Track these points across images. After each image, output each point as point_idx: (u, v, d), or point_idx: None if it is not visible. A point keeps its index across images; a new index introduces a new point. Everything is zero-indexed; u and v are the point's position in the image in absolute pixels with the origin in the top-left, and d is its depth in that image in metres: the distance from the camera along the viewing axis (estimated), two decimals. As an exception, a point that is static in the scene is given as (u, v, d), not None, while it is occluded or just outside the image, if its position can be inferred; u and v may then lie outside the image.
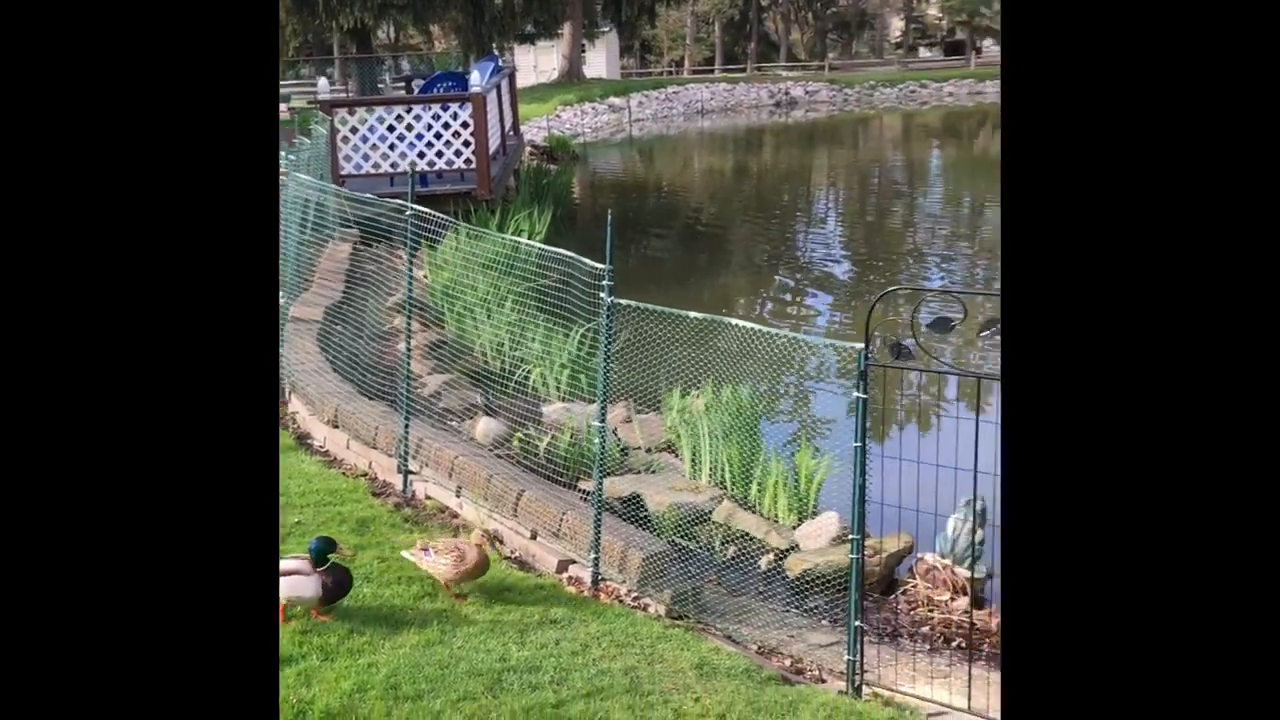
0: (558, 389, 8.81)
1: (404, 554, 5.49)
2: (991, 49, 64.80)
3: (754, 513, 6.93)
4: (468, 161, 14.49)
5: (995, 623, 5.67)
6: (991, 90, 46.73)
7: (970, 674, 4.70)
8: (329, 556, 4.91)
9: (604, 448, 5.67)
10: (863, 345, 4.49)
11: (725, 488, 7.21)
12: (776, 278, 15.65)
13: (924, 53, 68.80)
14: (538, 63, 48.03)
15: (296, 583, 4.79)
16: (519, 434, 7.46)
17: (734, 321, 5.30)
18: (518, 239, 7.07)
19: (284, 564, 4.80)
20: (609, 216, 5.29)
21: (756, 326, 5.33)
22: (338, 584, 4.92)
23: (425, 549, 5.35)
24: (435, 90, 16.61)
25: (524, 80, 37.65)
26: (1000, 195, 2.20)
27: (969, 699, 4.59)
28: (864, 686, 4.76)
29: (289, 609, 4.86)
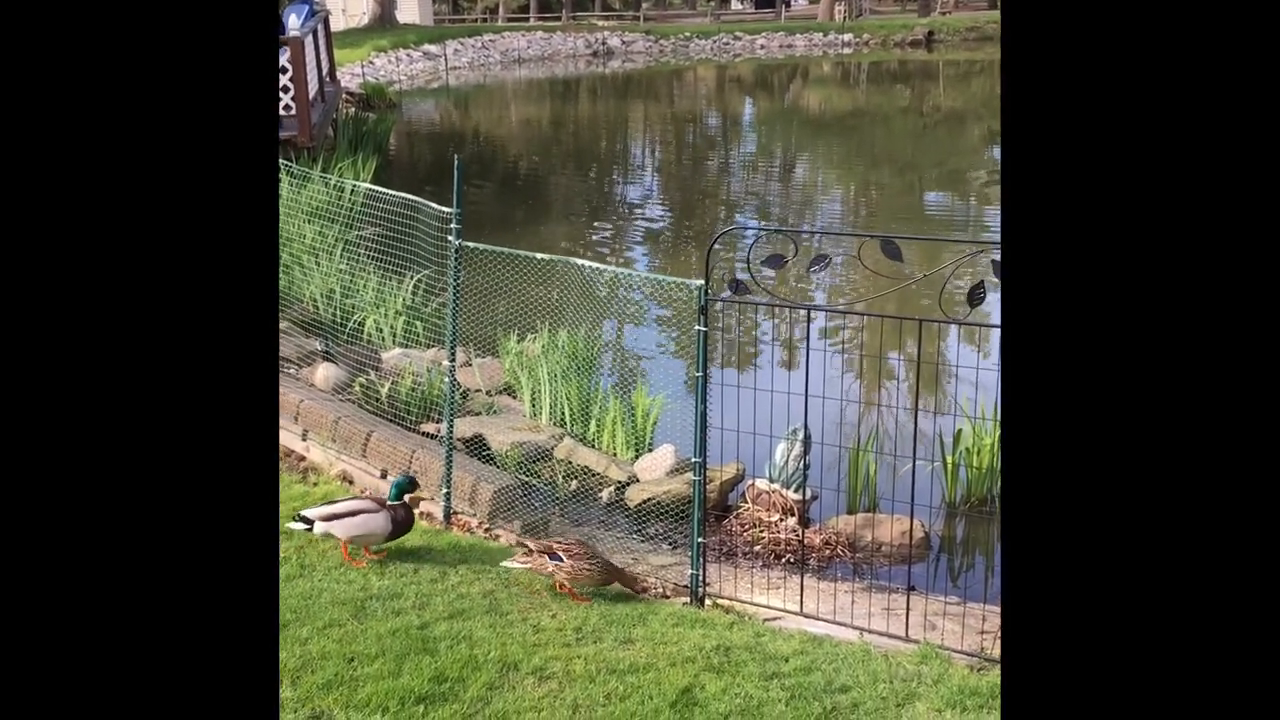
0: (393, 336, 8.89)
1: (510, 564, 5.06)
2: (800, 1, 66.35)
3: (594, 449, 7.23)
4: (286, 108, 14.17)
5: (820, 539, 6.17)
6: (801, 43, 48.02)
7: (802, 584, 5.14)
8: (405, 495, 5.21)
9: (454, 386, 5.85)
10: (703, 281, 4.82)
11: (565, 426, 7.49)
12: (595, 227, 15.92)
13: (736, 4, 69.93)
14: (346, 6, 46.67)
15: (367, 520, 5.05)
16: (360, 380, 7.54)
17: (580, 262, 5.54)
18: (373, 186, 7.11)
19: (351, 504, 5.09)
20: (456, 161, 5.44)
21: (603, 266, 5.59)
22: (406, 519, 5.18)
23: (550, 553, 4.87)
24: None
25: (333, 24, 36.57)
26: (1001, 164, 2.22)
27: (801, 604, 5.03)
28: (706, 598, 5.15)
29: (356, 545, 5.13)
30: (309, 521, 5.13)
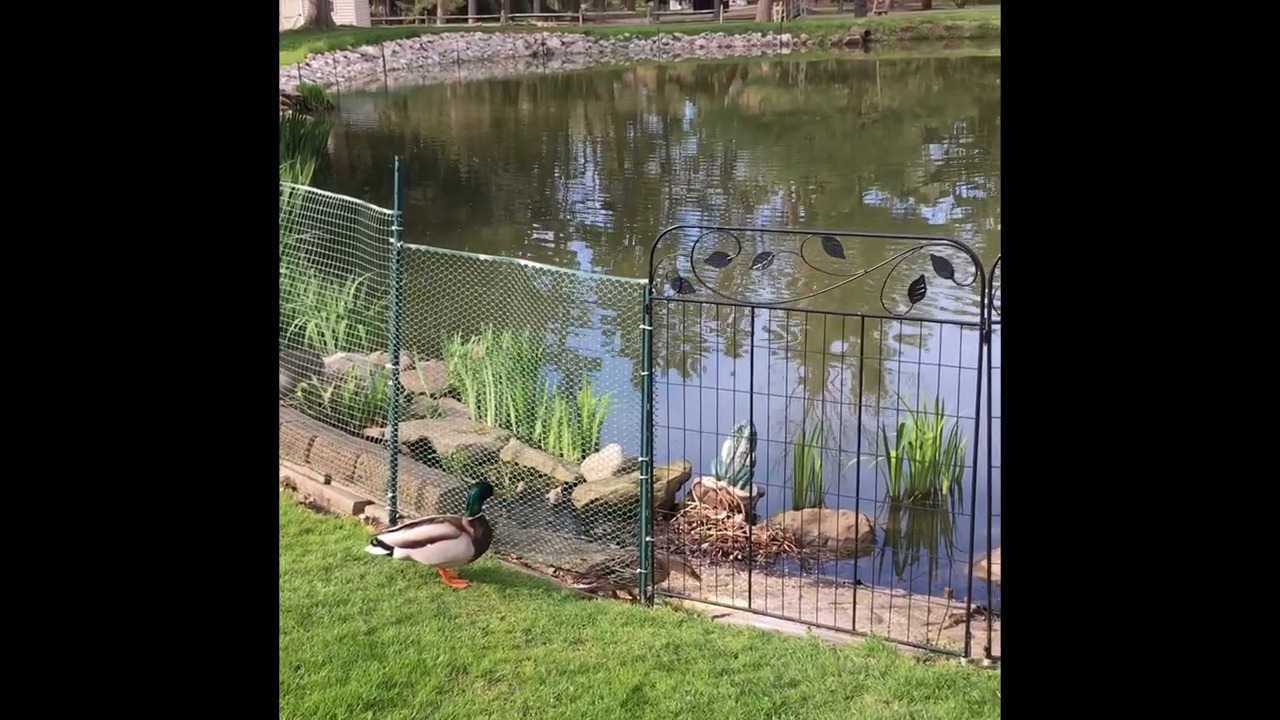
0: (335, 340, 8.80)
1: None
2: (738, 2, 66.65)
3: (540, 450, 7.22)
4: (222, 111, 13.99)
5: (767, 535, 6.20)
6: (740, 44, 48.24)
7: (750, 581, 5.16)
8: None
9: (398, 390, 5.80)
10: (647, 280, 4.82)
11: (511, 428, 7.46)
12: (538, 228, 15.88)
13: (674, 5, 70.13)
14: (282, 7, 46.10)
15: (447, 547, 4.89)
16: (302, 385, 7.45)
17: (524, 263, 5.52)
18: (313, 189, 7.04)
19: (429, 529, 4.90)
20: (396, 163, 5.40)
21: (547, 266, 5.58)
22: (485, 537, 5.00)
23: None
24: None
25: (270, 27, 36.11)
26: (1000, 152, 2.22)
27: (749, 601, 5.06)
28: (655, 596, 5.15)
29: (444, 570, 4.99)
30: (388, 547, 4.99)
